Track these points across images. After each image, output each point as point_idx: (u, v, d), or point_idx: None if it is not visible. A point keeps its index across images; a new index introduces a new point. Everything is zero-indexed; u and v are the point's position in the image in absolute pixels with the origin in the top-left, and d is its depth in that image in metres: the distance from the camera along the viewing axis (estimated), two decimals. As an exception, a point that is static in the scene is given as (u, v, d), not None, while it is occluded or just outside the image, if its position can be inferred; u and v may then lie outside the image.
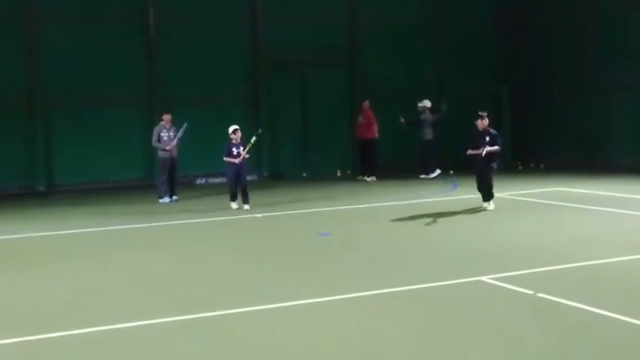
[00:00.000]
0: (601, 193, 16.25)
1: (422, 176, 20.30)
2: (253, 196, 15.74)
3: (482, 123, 14.26)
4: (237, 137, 15.43)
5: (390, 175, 20.08)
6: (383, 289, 8.78)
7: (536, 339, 6.92)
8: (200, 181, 20.32)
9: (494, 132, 14.30)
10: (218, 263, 10.79)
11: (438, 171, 20.43)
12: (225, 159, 15.48)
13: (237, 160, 15.31)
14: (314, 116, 21.91)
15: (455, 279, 9.11)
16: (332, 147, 21.86)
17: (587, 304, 7.81)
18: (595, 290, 8.59)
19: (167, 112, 17.00)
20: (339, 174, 21.60)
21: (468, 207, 14.42)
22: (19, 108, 19.17)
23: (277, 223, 14.11)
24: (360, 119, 20.54)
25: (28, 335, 7.40)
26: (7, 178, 18.95)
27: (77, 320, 7.91)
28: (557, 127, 22.15)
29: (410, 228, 12.86)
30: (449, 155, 20.27)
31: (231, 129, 15.48)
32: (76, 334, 7.44)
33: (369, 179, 20.20)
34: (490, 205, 14.25)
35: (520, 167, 22.19)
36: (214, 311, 8.05)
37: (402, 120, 20.73)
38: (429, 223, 13.14)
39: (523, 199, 15.83)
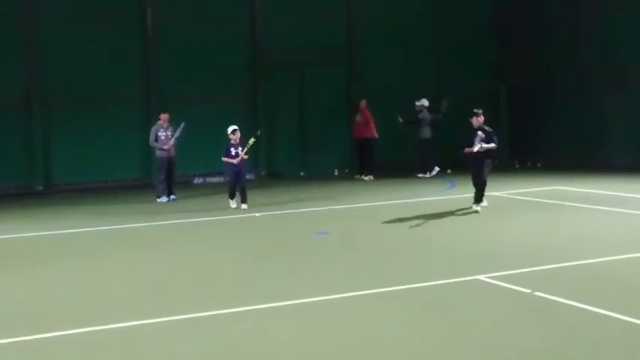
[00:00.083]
0: (598, 191, 16.26)
1: (420, 175, 20.32)
2: (251, 195, 15.73)
3: (478, 120, 14.10)
4: (236, 138, 15.44)
5: (387, 174, 20.08)
6: (380, 288, 8.78)
7: (534, 338, 6.92)
8: (198, 180, 20.32)
9: (490, 129, 14.18)
10: (216, 262, 10.80)
11: (437, 168, 20.45)
12: (223, 159, 15.50)
13: (235, 161, 15.32)
14: (312, 115, 21.91)
15: (452, 278, 9.12)
16: (330, 146, 21.84)
17: (584, 303, 7.81)
18: (593, 289, 8.60)
19: (165, 112, 17.01)
20: (336, 173, 21.61)
21: (466, 206, 14.40)
22: (17, 107, 19.15)
23: (275, 222, 14.12)
24: (358, 118, 20.55)
25: (26, 335, 7.40)
26: (5, 177, 18.93)
27: (74, 320, 7.91)
28: (555, 125, 22.17)
29: (408, 227, 12.86)
30: (447, 154, 20.26)
31: (230, 129, 15.48)
32: (73, 334, 7.44)
33: (366, 178, 20.20)
34: (478, 207, 13.99)
35: (517, 166, 22.22)
36: (212, 311, 8.04)
37: (400, 120, 20.74)
38: (426, 222, 13.15)
39: (520, 197, 15.85)
